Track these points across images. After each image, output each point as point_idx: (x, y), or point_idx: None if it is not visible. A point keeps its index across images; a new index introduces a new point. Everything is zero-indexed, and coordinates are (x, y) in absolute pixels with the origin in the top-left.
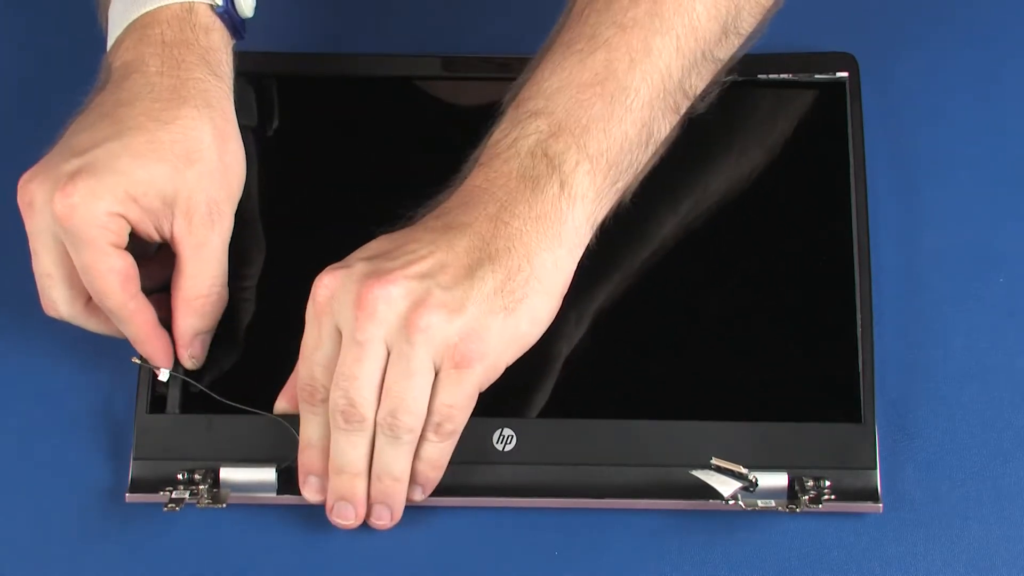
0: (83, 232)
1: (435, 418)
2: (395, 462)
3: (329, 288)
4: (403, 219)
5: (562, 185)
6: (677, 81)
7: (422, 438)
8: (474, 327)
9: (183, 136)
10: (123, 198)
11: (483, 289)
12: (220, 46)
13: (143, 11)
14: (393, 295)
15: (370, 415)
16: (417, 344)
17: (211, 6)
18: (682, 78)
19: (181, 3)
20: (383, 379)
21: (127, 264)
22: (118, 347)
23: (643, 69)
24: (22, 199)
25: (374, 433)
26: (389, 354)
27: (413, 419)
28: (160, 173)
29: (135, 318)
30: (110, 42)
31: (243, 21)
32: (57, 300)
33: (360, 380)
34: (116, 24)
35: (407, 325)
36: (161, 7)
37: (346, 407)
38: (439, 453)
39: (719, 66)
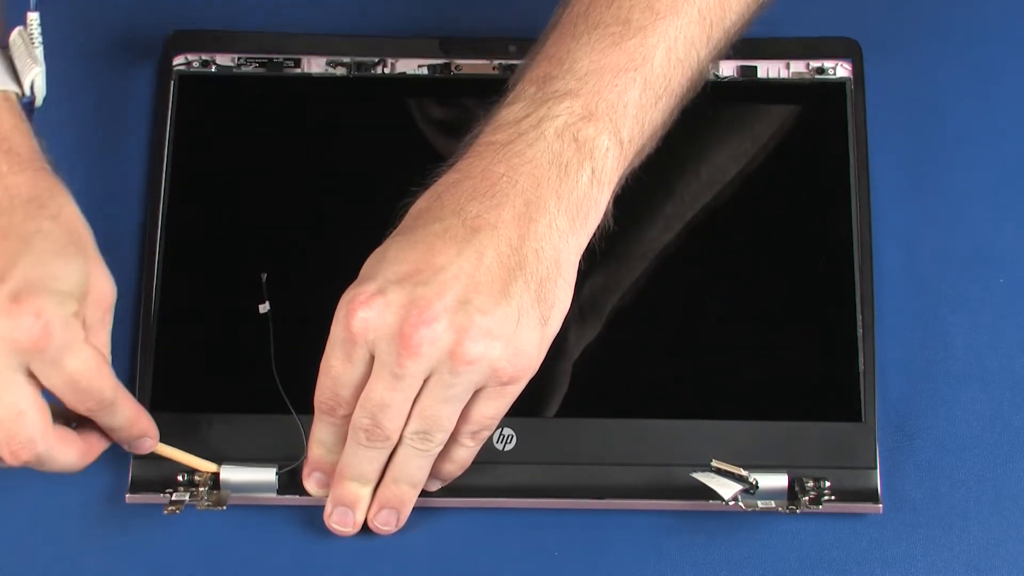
0: (63, 342)
1: (473, 427)
2: (419, 472)
3: (366, 321)
4: (410, 194)
5: (594, 171)
6: (704, 70)
7: (456, 443)
8: (517, 346)
9: (74, 224)
10: (72, 297)
11: (521, 305)
12: (29, 128)
13: None
14: (438, 332)
15: (395, 436)
16: (463, 375)
17: (16, 95)
18: (707, 67)
19: None
20: (415, 402)
21: (100, 349)
22: (118, 347)
23: (678, 58)
24: None
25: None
26: (426, 380)
27: (444, 435)
28: (79, 265)
29: (125, 397)
30: None
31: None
32: (35, 435)
33: (392, 408)
34: None
35: (452, 358)
36: None
37: (371, 427)
38: (470, 455)
39: (727, 52)
